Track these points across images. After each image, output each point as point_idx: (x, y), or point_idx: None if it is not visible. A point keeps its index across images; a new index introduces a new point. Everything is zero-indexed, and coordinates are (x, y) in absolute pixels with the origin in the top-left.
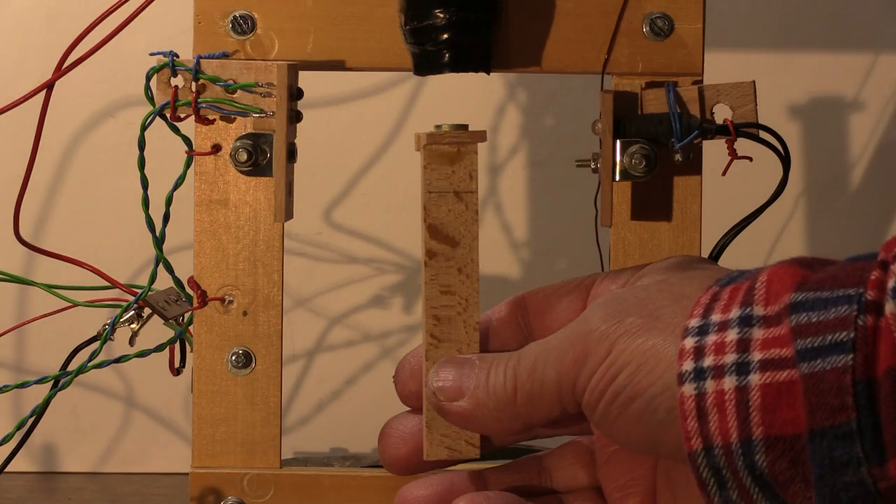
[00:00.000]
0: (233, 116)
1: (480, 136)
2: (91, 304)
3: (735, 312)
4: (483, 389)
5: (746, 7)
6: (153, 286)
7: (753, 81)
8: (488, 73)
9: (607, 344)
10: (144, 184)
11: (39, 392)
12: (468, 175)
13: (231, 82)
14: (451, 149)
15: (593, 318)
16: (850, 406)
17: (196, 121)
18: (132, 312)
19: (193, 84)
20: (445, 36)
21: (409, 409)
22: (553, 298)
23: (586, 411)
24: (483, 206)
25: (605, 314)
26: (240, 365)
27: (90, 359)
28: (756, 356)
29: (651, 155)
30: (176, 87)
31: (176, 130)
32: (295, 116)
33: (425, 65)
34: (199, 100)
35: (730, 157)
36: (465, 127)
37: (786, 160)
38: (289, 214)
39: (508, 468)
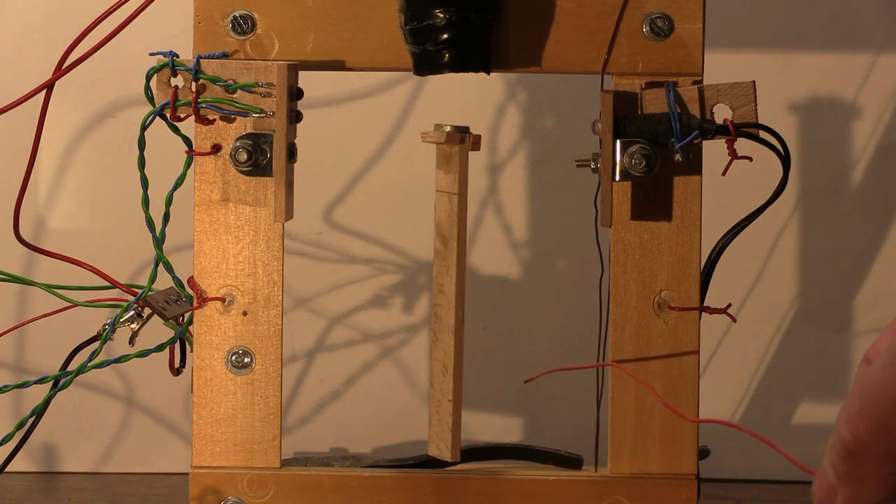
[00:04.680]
0: (233, 116)
1: (460, 138)
2: (91, 304)
3: None
4: (830, 458)
5: (746, 7)
6: (153, 286)
7: (753, 81)
8: (488, 73)
9: None
10: (144, 184)
11: (39, 392)
12: (455, 177)
13: (231, 82)
14: (448, 150)
15: None
16: None
17: (196, 121)
18: (132, 312)
19: (193, 84)
20: (445, 36)
21: None
22: None
23: None
24: (483, 206)
25: None
26: (240, 365)
27: (90, 359)
28: None
29: (651, 155)
30: (176, 87)
31: (176, 130)
32: (295, 116)
33: (425, 65)
34: (199, 100)
35: (730, 157)
36: (466, 129)
37: (786, 160)
38: (289, 214)
39: None
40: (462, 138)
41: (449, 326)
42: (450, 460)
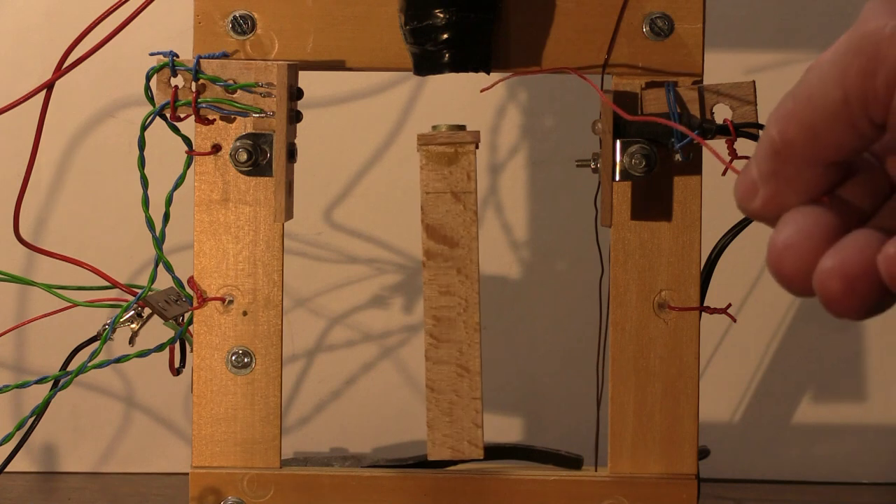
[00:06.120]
0: (233, 116)
1: (475, 136)
2: (91, 304)
3: None
4: (756, 156)
5: (746, 7)
6: (153, 286)
7: (753, 81)
8: (488, 73)
9: None
10: (144, 184)
11: (39, 392)
12: (466, 175)
13: (231, 82)
14: (448, 149)
15: (875, 18)
16: None
17: (196, 121)
18: (132, 312)
19: (193, 84)
20: (445, 36)
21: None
22: None
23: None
24: (483, 206)
25: (888, 9)
26: (240, 365)
27: (90, 359)
28: None
29: (651, 155)
30: (176, 87)
31: (176, 130)
32: (295, 116)
33: (425, 65)
34: (199, 100)
35: (730, 157)
36: (462, 127)
37: None
38: (289, 214)
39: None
40: (476, 135)
41: (469, 325)
42: (480, 457)
